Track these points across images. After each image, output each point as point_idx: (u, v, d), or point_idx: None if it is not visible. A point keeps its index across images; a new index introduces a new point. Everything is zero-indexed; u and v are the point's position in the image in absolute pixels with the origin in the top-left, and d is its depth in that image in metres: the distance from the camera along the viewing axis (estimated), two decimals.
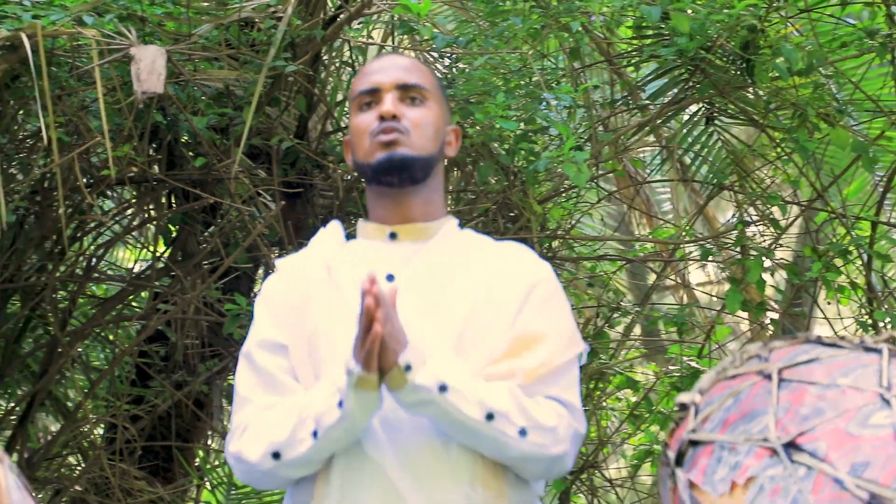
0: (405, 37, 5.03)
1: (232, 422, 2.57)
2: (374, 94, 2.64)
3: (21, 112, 4.40)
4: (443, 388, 2.41)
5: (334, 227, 2.70)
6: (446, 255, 2.63)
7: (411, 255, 2.61)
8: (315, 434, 2.44)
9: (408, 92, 2.64)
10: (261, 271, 5.51)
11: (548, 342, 2.55)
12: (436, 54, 4.86)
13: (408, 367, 2.39)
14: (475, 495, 2.48)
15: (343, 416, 2.41)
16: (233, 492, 5.25)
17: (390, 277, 2.58)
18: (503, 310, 2.57)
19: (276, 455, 2.46)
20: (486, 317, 2.56)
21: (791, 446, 2.13)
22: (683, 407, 2.40)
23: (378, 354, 2.37)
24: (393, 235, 2.64)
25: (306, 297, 2.58)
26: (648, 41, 4.61)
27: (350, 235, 2.74)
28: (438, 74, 4.76)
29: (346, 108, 5.26)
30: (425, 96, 2.66)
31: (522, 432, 2.47)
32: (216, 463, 5.51)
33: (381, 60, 2.73)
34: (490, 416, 2.45)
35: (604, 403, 5.24)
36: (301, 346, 2.55)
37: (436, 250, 2.62)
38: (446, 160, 2.80)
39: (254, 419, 2.51)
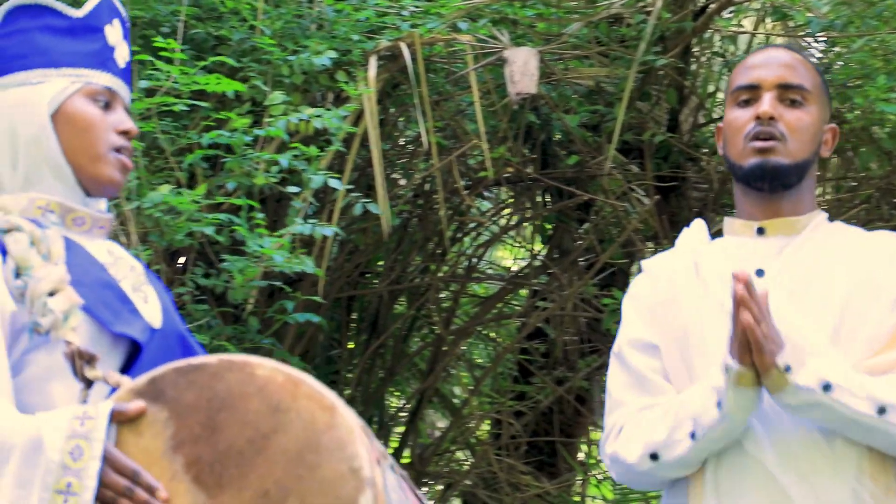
0: (778, 23, 4.90)
1: (605, 423, 2.56)
2: (753, 91, 2.55)
3: (402, 119, 4.57)
4: (827, 387, 2.34)
5: (698, 226, 2.66)
6: (817, 247, 2.54)
7: (780, 249, 2.54)
8: (693, 435, 2.41)
9: (788, 92, 2.54)
10: (636, 266, 5.51)
11: None
12: (810, 39, 4.72)
13: (787, 369, 2.32)
14: (863, 489, 2.39)
15: (722, 416, 2.36)
16: (618, 486, 5.26)
17: (760, 272, 2.52)
18: (882, 298, 2.46)
19: (654, 456, 2.44)
20: (863, 306, 2.46)
21: None
22: None
23: (755, 356, 2.32)
24: (761, 231, 2.57)
25: (674, 297, 2.55)
26: None
27: (716, 234, 2.69)
28: (814, 60, 4.63)
29: (717, 100, 5.19)
30: (806, 98, 2.55)
31: None
32: (600, 457, 5.54)
33: (763, 54, 2.63)
34: (882, 410, 2.35)
35: None
36: (672, 346, 2.52)
37: (806, 243, 2.55)
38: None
39: (628, 420, 2.50)
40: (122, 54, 2.23)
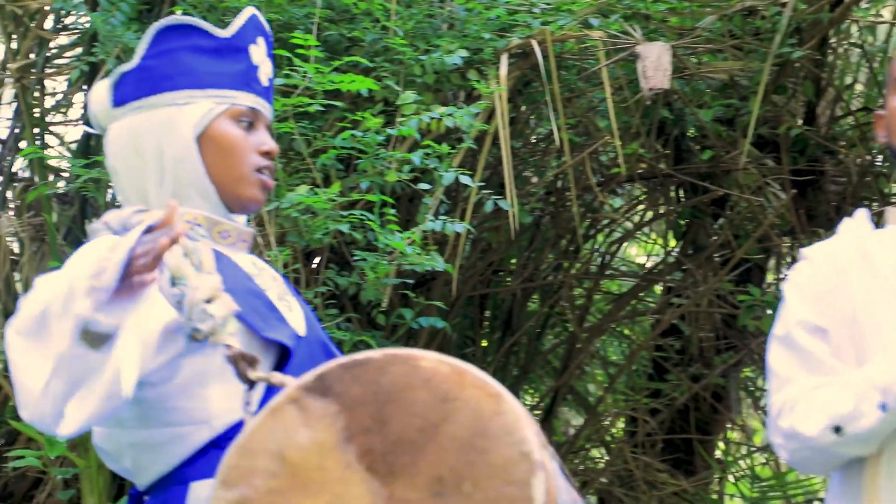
0: None
1: (771, 402, 2.46)
2: None
3: (533, 116, 4.56)
4: None
5: (861, 215, 2.61)
6: None
7: None
8: (883, 407, 2.34)
9: None
10: (772, 262, 5.44)
11: None
12: None
13: None
14: None
15: None
16: (757, 484, 5.20)
17: None
18: None
19: (837, 429, 2.35)
20: None
21: None
22: None
23: None
24: None
25: (840, 283, 2.48)
26: None
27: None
28: None
29: (855, 92, 5.09)
30: None
31: None
32: (737, 455, 5.49)
33: None
34: None
35: None
36: (841, 332, 2.45)
37: None
38: None
39: (803, 396, 2.41)
40: (265, 72, 2.29)
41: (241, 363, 2.02)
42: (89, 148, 4.26)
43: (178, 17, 2.24)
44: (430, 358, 1.92)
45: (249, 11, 2.28)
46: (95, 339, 1.88)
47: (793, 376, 2.44)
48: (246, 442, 1.91)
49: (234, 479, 1.91)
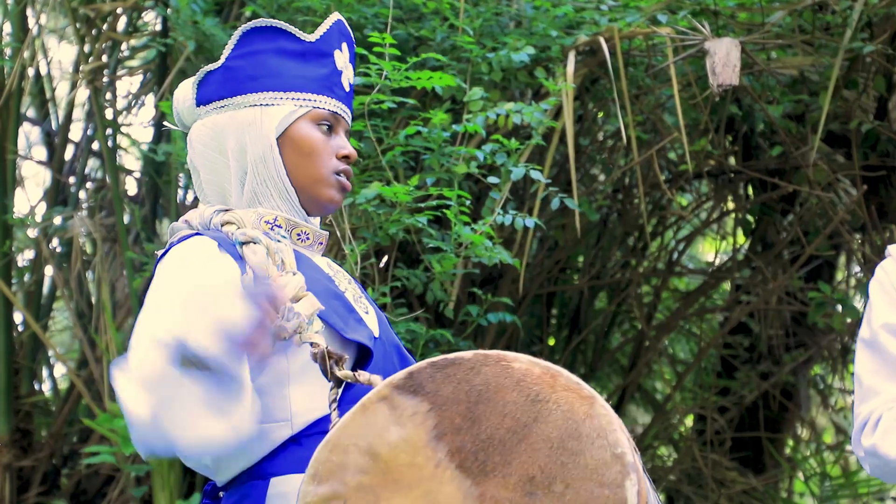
0: None
1: (856, 411, 2.47)
2: None
3: (601, 114, 4.55)
4: None
5: None
6: None
7: None
8: None
9: None
10: (843, 258, 5.39)
11: None
12: None
13: None
14: None
15: None
16: (827, 483, 5.16)
17: None
18: None
19: None
20: None
21: None
22: None
23: None
24: None
25: None
26: None
27: None
28: None
29: None
30: None
31: None
32: (807, 453, 5.45)
33: None
34: None
35: None
36: None
37: None
38: None
39: (886, 411, 2.40)
40: (347, 77, 2.32)
41: (327, 361, 2.04)
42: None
43: (265, 20, 2.27)
44: (522, 359, 1.94)
45: (335, 17, 2.31)
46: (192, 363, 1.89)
47: (877, 386, 2.42)
48: (337, 438, 1.92)
49: (325, 475, 1.92)
